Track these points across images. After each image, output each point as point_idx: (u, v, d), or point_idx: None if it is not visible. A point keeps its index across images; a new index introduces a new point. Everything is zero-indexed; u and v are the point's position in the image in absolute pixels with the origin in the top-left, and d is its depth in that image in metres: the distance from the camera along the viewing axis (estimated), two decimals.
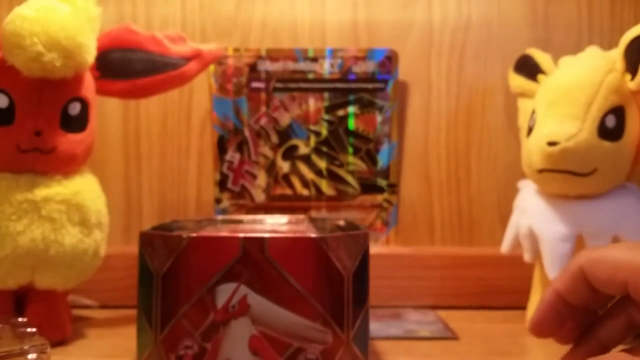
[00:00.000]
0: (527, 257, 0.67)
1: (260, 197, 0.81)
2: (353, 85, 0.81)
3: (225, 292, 0.43)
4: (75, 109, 0.60)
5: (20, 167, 0.58)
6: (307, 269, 0.43)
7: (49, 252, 0.58)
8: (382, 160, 0.81)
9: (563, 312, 0.38)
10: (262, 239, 0.43)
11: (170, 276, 0.44)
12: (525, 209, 0.67)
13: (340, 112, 0.81)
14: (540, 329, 0.39)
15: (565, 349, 0.42)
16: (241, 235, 0.44)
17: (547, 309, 0.39)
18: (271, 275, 0.43)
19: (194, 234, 0.45)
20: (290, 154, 0.81)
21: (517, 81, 0.73)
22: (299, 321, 0.43)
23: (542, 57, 0.70)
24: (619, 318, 0.38)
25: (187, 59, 0.67)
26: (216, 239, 0.44)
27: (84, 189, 0.61)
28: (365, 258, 0.46)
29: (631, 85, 0.61)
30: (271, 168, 0.81)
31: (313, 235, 0.44)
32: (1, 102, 0.57)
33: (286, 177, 0.81)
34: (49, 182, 0.59)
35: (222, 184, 0.81)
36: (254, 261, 0.43)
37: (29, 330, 0.46)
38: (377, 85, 0.81)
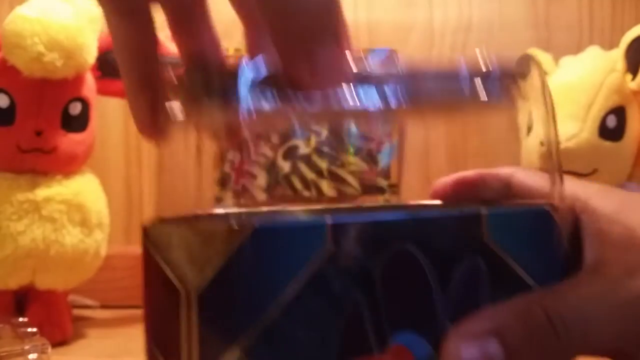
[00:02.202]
0: None
1: (261, 197, 0.81)
2: None
3: None
4: (76, 109, 0.60)
5: (21, 167, 0.59)
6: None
7: (49, 252, 0.58)
8: (383, 161, 0.81)
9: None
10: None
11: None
12: None
13: None
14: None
15: None
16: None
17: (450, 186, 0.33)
18: None
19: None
20: (290, 154, 0.81)
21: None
22: None
23: (543, 58, 0.70)
24: None
25: None
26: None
27: (85, 189, 0.61)
28: (234, 266, 0.23)
29: (632, 85, 0.61)
30: (272, 168, 0.81)
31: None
32: (2, 102, 0.58)
33: (287, 178, 0.81)
34: (49, 182, 0.59)
35: (222, 184, 0.81)
36: None
37: (29, 330, 0.47)
38: None
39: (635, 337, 0.23)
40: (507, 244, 0.26)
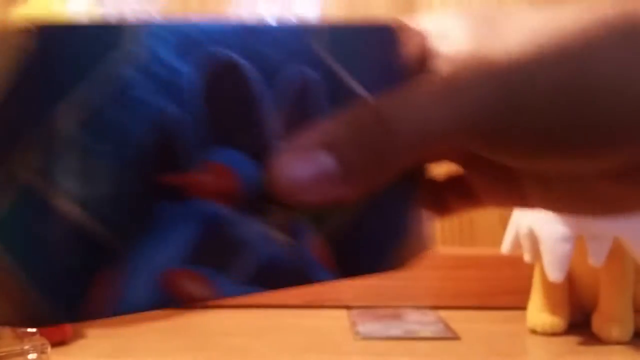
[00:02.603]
0: (527, 257, 0.67)
1: None
2: None
3: None
4: None
5: None
6: None
7: None
8: None
9: None
10: None
11: None
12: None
13: None
14: None
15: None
16: None
17: None
18: None
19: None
20: None
21: None
22: None
23: None
24: None
25: None
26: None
27: None
28: (22, 70, 0.20)
29: None
30: None
31: None
32: None
33: None
34: None
35: None
36: None
37: (29, 330, 0.47)
38: None
39: (471, 129, 0.21)
40: (344, 58, 0.24)
